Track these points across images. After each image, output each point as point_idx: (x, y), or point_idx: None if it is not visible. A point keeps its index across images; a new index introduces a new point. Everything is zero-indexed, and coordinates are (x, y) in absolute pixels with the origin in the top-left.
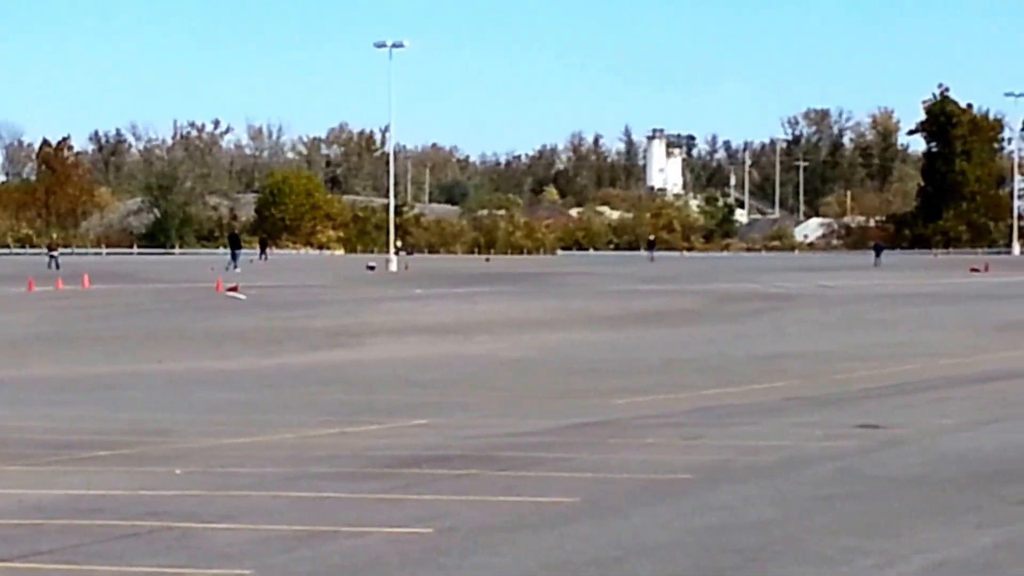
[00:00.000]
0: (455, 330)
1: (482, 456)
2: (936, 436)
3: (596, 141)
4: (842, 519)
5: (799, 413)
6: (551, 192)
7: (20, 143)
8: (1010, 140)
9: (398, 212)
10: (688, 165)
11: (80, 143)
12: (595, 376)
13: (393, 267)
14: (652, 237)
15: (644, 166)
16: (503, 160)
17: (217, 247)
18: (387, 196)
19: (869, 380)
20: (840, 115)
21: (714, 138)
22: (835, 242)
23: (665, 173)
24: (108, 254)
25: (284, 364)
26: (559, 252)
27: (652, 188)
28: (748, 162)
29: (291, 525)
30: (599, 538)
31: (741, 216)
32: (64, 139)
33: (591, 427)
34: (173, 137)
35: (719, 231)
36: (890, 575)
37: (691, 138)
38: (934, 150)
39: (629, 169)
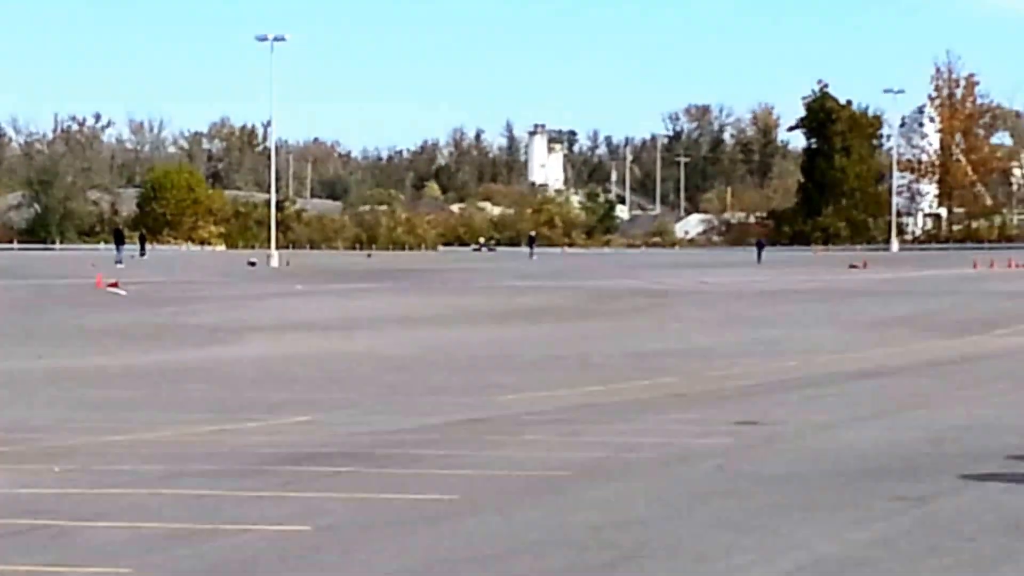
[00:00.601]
0: (336, 327)
1: (362, 453)
2: (812, 432)
3: (478, 136)
4: (719, 516)
5: (678, 410)
6: (433, 188)
7: None
8: (889, 137)
9: (279, 207)
10: (569, 161)
11: None
12: (476, 373)
13: (274, 263)
14: (533, 233)
15: (526, 161)
16: (385, 155)
17: (98, 242)
18: (268, 191)
19: (748, 377)
20: (721, 111)
21: (596, 133)
22: (715, 238)
23: (547, 169)
24: None
25: (164, 361)
26: (441, 248)
27: (533, 184)
28: (629, 158)
29: (170, 523)
30: (478, 535)
31: (622, 212)
32: None
33: (471, 424)
34: (54, 131)
35: (600, 227)
36: (766, 572)
37: (573, 133)
38: (814, 146)
39: (511, 164)
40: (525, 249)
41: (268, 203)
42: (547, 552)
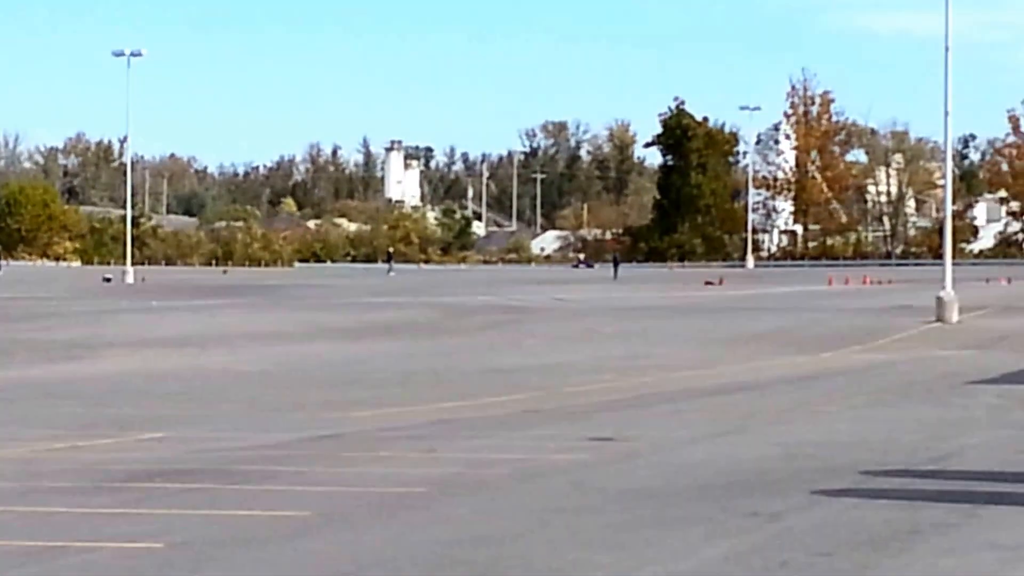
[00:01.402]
0: (192, 343)
1: (216, 470)
2: (669, 448)
3: (334, 152)
4: (574, 532)
5: (534, 426)
6: (289, 204)
7: None
8: (745, 154)
9: (135, 223)
10: (426, 177)
11: None
12: (332, 389)
13: (130, 279)
14: (391, 249)
15: (382, 178)
16: (241, 171)
17: None
18: (124, 207)
19: (604, 393)
20: (577, 127)
21: (452, 150)
22: (572, 255)
23: (403, 185)
24: None
25: (16, 377)
26: (297, 264)
27: (390, 200)
28: (486, 174)
29: (21, 540)
30: (332, 552)
31: (478, 228)
32: None
33: (327, 440)
34: None
35: (456, 243)
36: None
37: (429, 150)
38: (670, 163)
39: (367, 181)
40: (382, 265)
41: (124, 219)
42: (400, 569)
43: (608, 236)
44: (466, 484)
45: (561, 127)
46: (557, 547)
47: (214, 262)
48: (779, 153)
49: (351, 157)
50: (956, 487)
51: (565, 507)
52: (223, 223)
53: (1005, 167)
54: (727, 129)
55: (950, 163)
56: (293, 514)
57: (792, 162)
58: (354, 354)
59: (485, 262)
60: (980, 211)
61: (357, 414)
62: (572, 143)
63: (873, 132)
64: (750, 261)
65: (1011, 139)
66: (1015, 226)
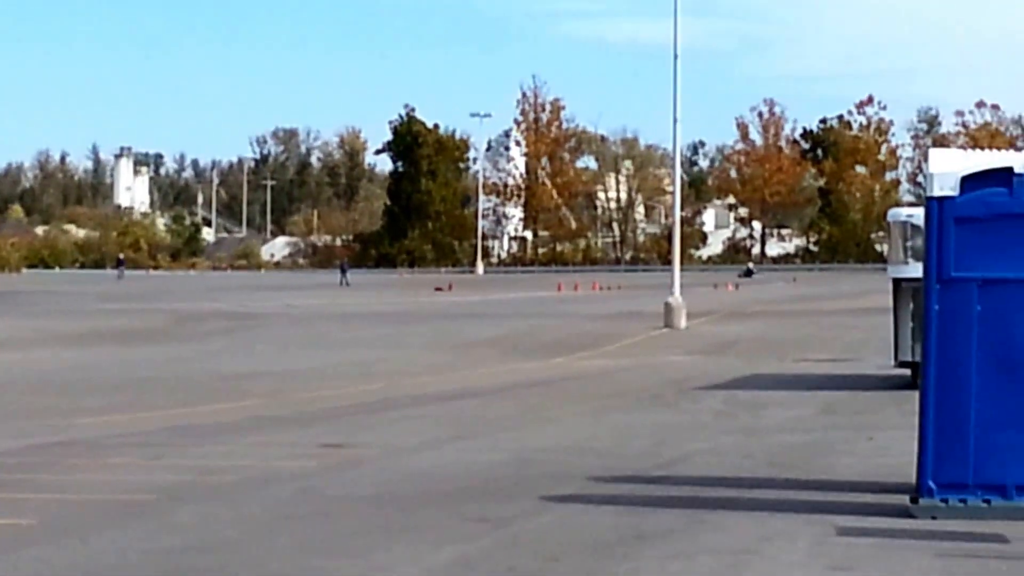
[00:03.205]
0: None
1: None
2: (398, 455)
3: (63, 159)
4: (303, 539)
5: (263, 432)
6: (16, 210)
7: None
8: (475, 160)
9: None
10: (156, 183)
11: None
12: (60, 396)
13: None
14: (121, 256)
15: (112, 184)
16: None
17: None
18: None
19: (334, 399)
20: (308, 134)
21: (182, 156)
22: (302, 261)
23: (132, 191)
24: None
25: None
26: (24, 270)
27: (119, 206)
28: (216, 180)
29: None
30: (56, 560)
31: (208, 235)
32: None
33: (53, 447)
34: None
35: (186, 250)
36: None
37: (159, 156)
38: (400, 170)
39: (96, 187)
40: (112, 271)
41: None
42: None
43: (338, 242)
44: (195, 491)
45: (292, 134)
46: (285, 554)
47: None
48: (509, 160)
49: (80, 164)
50: (683, 493)
51: (294, 514)
52: None
53: (734, 173)
54: (458, 136)
55: (679, 170)
56: (16, 522)
57: (522, 169)
58: (83, 361)
59: (215, 268)
60: (709, 217)
61: (85, 421)
62: (303, 150)
63: (603, 139)
64: (480, 267)
65: (739, 146)
66: (743, 232)
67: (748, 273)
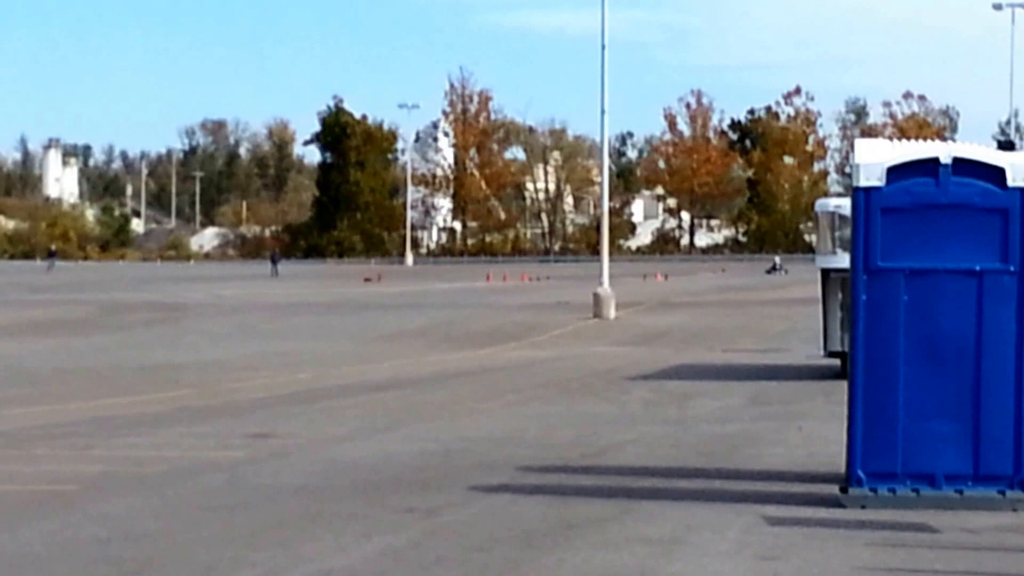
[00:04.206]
0: None
1: None
2: (326, 445)
3: None
4: (229, 529)
5: (190, 423)
6: None
7: None
8: (403, 151)
9: None
10: (84, 175)
11: None
12: None
13: None
14: (53, 247)
15: (40, 176)
16: None
17: None
18: None
19: (262, 390)
20: (237, 126)
21: (111, 148)
22: (231, 252)
23: (61, 183)
24: None
25: None
26: None
27: (48, 198)
28: (145, 172)
29: None
30: None
31: (137, 226)
32: None
33: None
34: None
35: (116, 240)
36: None
37: (88, 148)
38: (329, 161)
39: (25, 179)
40: (41, 263)
41: None
42: (53, 567)
43: (268, 233)
44: (121, 482)
45: (220, 125)
46: (212, 544)
47: None
48: (438, 151)
49: (8, 155)
50: (612, 482)
51: (220, 504)
52: None
53: (662, 164)
54: (386, 127)
55: (607, 160)
56: None
57: (451, 160)
58: (9, 351)
59: (144, 259)
60: (638, 208)
61: (9, 412)
62: (231, 141)
63: (531, 130)
64: (409, 258)
65: (667, 137)
66: (672, 223)
67: (775, 268)
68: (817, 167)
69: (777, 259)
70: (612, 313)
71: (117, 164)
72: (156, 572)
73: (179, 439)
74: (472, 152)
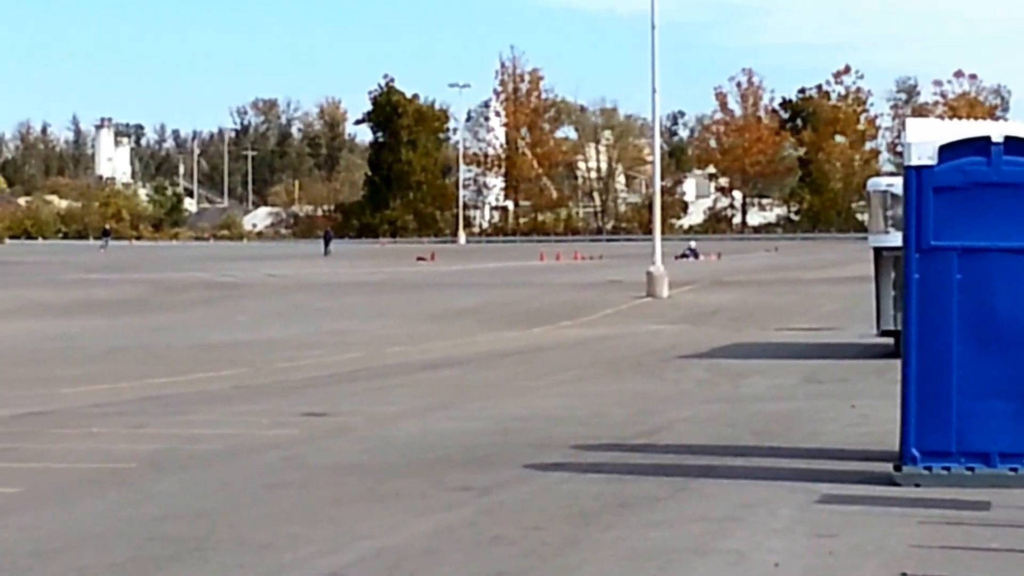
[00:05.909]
0: None
1: None
2: (380, 423)
3: (44, 130)
4: (285, 507)
5: (246, 401)
6: None
7: None
8: (455, 130)
9: None
10: (137, 154)
11: None
12: (41, 366)
13: None
14: (107, 227)
15: (93, 155)
16: None
17: None
18: None
19: (316, 368)
20: (288, 105)
21: (163, 127)
22: (284, 231)
23: (114, 162)
24: None
25: None
26: (7, 241)
27: (101, 177)
28: (197, 151)
29: None
30: (40, 528)
31: (190, 205)
32: None
33: (36, 417)
34: None
35: (168, 220)
36: (330, 563)
37: (140, 127)
38: (381, 140)
39: (78, 158)
40: (95, 242)
41: None
42: (110, 545)
43: (320, 213)
44: (177, 460)
45: (272, 104)
46: (269, 522)
47: None
48: (489, 130)
49: (61, 135)
50: (666, 461)
51: (277, 482)
52: None
53: (713, 143)
54: (437, 106)
55: (658, 139)
56: (1, 491)
57: (502, 139)
58: (65, 331)
59: (197, 238)
60: (689, 187)
61: (67, 390)
62: (283, 120)
63: (583, 109)
64: (462, 237)
65: (719, 116)
66: (724, 201)
67: (687, 254)
68: (868, 146)
69: (692, 244)
70: (665, 292)
71: (169, 143)
72: (212, 550)
73: (234, 417)
74: (523, 131)
